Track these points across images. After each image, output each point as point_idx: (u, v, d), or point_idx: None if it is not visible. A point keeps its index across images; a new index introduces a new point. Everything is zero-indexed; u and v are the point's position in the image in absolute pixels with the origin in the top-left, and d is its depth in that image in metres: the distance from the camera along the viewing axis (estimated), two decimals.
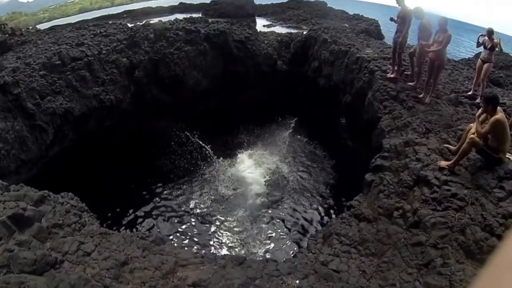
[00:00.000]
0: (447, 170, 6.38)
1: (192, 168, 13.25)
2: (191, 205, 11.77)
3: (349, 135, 13.79)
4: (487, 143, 5.99)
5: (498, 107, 5.76)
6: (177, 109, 14.72)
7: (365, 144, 10.64)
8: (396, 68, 10.64)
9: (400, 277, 5.21)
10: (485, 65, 9.24)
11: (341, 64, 13.75)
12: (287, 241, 10.40)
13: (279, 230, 10.81)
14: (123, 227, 10.62)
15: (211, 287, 5.02)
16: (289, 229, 10.86)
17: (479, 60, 9.67)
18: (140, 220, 11.14)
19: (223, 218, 11.14)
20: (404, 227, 6.02)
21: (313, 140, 16.10)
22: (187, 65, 14.70)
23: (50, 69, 11.01)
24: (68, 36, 13.78)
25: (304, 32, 18.46)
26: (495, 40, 9.10)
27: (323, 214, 11.56)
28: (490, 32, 9.17)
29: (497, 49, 9.31)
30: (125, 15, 28.44)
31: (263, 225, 10.91)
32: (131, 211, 11.42)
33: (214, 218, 11.14)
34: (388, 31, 20.24)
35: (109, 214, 10.77)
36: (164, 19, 18.24)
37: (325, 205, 12.02)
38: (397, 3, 9.81)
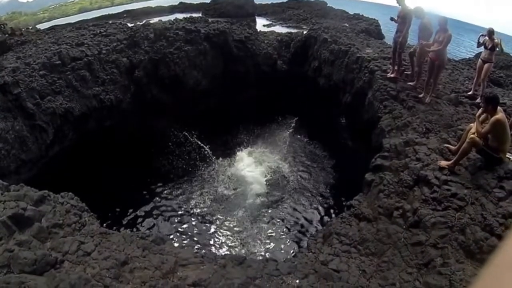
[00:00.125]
0: (447, 170, 6.38)
1: (192, 168, 13.25)
2: (191, 205, 11.77)
3: (349, 134, 13.79)
4: (487, 143, 5.99)
5: (498, 107, 5.77)
6: (177, 109, 14.72)
7: (365, 143, 10.63)
8: (396, 67, 10.64)
9: (400, 277, 5.21)
10: (486, 65, 9.24)
11: (341, 63, 13.75)
12: (287, 241, 10.40)
13: (279, 230, 10.81)
14: (123, 227, 10.62)
15: (211, 286, 5.02)
16: (289, 229, 10.87)
17: (479, 60, 9.67)
18: (140, 219, 11.15)
19: (223, 218, 11.14)
20: (404, 226, 6.02)
21: (313, 140, 16.11)
22: (187, 64, 14.70)
23: (50, 69, 11.00)
24: (68, 36, 13.77)
25: (304, 32, 18.46)
26: (496, 40, 9.09)
27: (323, 214, 11.56)
28: (490, 32, 9.16)
29: (497, 49, 9.30)
30: (125, 15, 28.45)
31: (263, 225, 10.91)
32: (131, 211, 11.43)
33: (214, 218, 11.15)
34: (388, 31, 20.26)
35: (109, 214, 10.78)
36: (164, 18, 18.23)
37: (325, 205, 12.02)
38: (397, 2, 9.81)
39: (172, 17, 19.18)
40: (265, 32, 19.83)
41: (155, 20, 17.69)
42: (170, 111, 14.55)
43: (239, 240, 10.25)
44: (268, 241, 10.31)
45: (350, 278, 5.38)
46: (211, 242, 10.25)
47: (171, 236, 10.25)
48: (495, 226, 5.09)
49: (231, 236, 10.44)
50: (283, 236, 10.59)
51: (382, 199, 6.81)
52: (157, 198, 12.10)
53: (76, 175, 10.43)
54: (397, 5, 9.91)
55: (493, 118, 5.62)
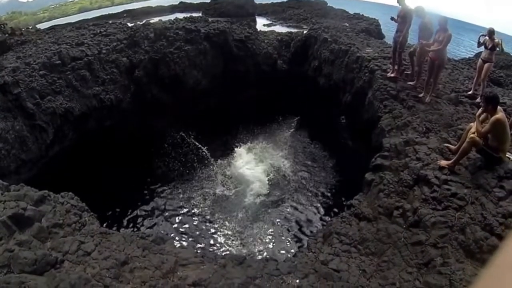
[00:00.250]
0: (447, 170, 6.38)
1: (192, 168, 13.24)
2: (191, 205, 11.78)
3: (349, 134, 13.80)
4: (487, 143, 5.99)
5: (498, 107, 5.77)
6: (177, 109, 14.71)
7: (365, 143, 10.63)
8: (396, 67, 10.63)
9: (400, 276, 5.21)
10: (486, 65, 9.24)
11: (341, 63, 13.75)
12: (287, 241, 10.40)
13: (279, 230, 10.81)
14: (123, 227, 10.64)
15: (211, 286, 5.02)
16: (289, 228, 10.87)
17: (479, 59, 9.67)
18: (140, 219, 11.16)
19: (223, 218, 11.14)
20: (404, 226, 6.02)
21: (313, 139, 16.11)
22: (187, 64, 14.69)
23: (50, 69, 11.00)
24: (68, 35, 13.77)
25: (304, 32, 18.46)
26: (496, 40, 9.09)
27: (323, 214, 11.56)
28: (491, 32, 9.16)
29: (497, 49, 9.29)
30: (125, 15, 28.46)
31: (263, 225, 10.91)
32: (131, 210, 11.43)
33: (214, 218, 11.15)
34: (388, 31, 20.24)
35: (109, 214, 10.78)
36: (164, 18, 18.24)
37: (325, 204, 12.02)
38: (398, 2, 9.81)
39: (172, 16, 19.19)
40: (265, 32, 19.83)
41: (155, 19, 17.71)
42: (170, 111, 14.55)
43: (239, 240, 10.25)
44: (268, 240, 10.32)
45: (350, 278, 5.38)
46: (211, 241, 10.26)
47: (171, 236, 10.24)
48: (495, 226, 5.09)
49: (231, 235, 10.44)
50: (283, 236, 10.59)
51: (382, 199, 6.81)
52: (157, 198, 12.11)
53: (76, 175, 10.43)
54: (397, 4, 9.90)
55: (493, 118, 5.62)
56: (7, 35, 14.12)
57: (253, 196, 11.95)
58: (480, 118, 6.04)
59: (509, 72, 16.51)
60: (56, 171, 10.31)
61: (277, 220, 11.20)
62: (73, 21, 25.77)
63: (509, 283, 0.52)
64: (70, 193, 7.07)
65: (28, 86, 10.07)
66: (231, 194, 12.23)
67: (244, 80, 16.59)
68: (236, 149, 14.17)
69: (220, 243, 10.20)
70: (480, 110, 6.21)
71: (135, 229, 10.50)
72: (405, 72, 10.85)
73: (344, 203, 10.10)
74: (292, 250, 9.78)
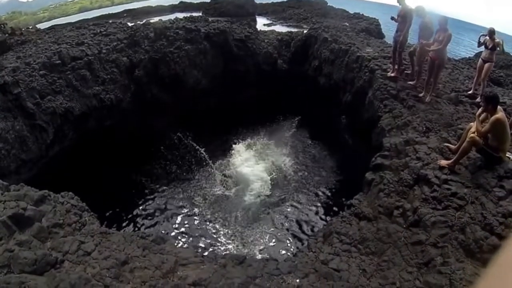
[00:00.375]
0: (447, 169, 6.38)
1: (192, 167, 13.24)
2: (191, 204, 11.77)
3: (349, 134, 13.78)
4: (487, 142, 5.99)
5: (498, 106, 5.77)
6: (177, 108, 14.72)
7: (366, 143, 10.63)
8: (396, 67, 10.63)
9: (400, 276, 5.21)
10: (486, 65, 9.24)
11: (341, 63, 13.75)
12: (287, 240, 10.40)
13: (279, 229, 10.81)
14: (123, 227, 10.64)
15: (211, 286, 5.02)
16: (289, 228, 10.86)
17: (480, 59, 9.66)
18: (140, 219, 11.15)
19: (223, 217, 11.14)
20: (404, 226, 6.02)
21: (313, 139, 16.10)
22: (187, 64, 14.70)
23: (50, 69, 11.00)
24: (68, 35, 13.78)
25: (305, 31, 18.45)
26: (497, 40, 9.08)
27: (323, 213, 11.55)
28: (491, 32, 9.15)
29: (498, 49, 9.28)
30: (125, 14, 28.44)
31: (263, 224, 10.90)
32: (131, 210, 11.43)
33: (214, 217, 11.15)
34: (389, 30, 20.23)
35: (109, 214, 10.78)
36: (164, 18, 18.26)
37: (325, 204, 12.02)
38: (398, 2, 9.81)
39: (172, 16, 19.19)
40: (265, 31, 19.82)
41: (155, 19, 17.73)
42: (170, 111, 14.56)
43: (239, 239, 10.25)
44: (268, 240, 10.31)
45: (351, 278, 5.38)
46: (211, 241, 10.25)
47: (171, 236, 10.25)
48: (495, 225, 5.09)
49: (231, 235, 10.44)
50: (283, 235, 10.59)
51: (382, 198, 6.81)
52: (157, 198, 12.10)
53: (76, 175, 10.43)
54: (397, 4, 9.90)
55: (493, 118, 5.62)
56: (7, 35, 14.13)
57: (253, 196, 11.95)
58: (480, 118, 6.04)
59: (509, 72, 16.50)
60: (56, 171, 10.32)
61: (277, 219, 11.19)
62: (73, 21, 25.74)
63: (511, 282, 0.52)
64: (70, 193, 7.08)
65: (28, 86, 10.07)
66: (231, 193, 12.22)
67: (244, 80, 16.59)
68: (236, 148, 14.16)
69: (220, 242, 10.20)
70: (480, 109, 6.20)
71: (135, 229, 10.50)
72: (405, 71, 10.84)
73: (344, 202, 10.08)
74: (292, 249, 9.78)
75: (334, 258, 5.97)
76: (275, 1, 33.21)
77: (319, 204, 12.00)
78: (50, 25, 24.96)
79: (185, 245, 9.77)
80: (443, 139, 7.57)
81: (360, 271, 5.56)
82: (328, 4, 29.51)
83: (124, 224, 10.81)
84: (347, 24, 19.49)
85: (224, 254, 7.53)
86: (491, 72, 12.27)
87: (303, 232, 10.69)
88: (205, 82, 15.49)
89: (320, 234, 7.36)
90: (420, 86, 9.89)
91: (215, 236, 10.46)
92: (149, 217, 11.23)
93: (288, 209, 11.67)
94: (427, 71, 9.39)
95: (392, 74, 10.65)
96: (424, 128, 8.19)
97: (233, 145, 14.27)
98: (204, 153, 12.98)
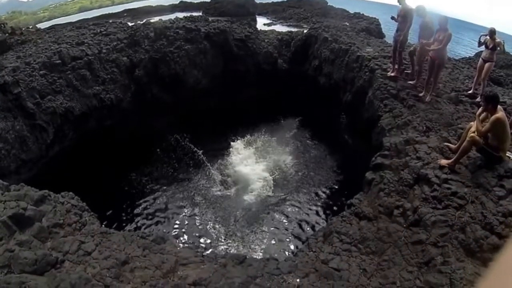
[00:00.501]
0: (448, 169, 6.38)
1: (192, 167, 13.24)
2: (192, 204, 11.77)
3: (349, 133, 13.79)
4: (487, 142, 5.99)
5: (499, 106, 5.76)
6: (177, 108, 14.72)
7: (366, 142, 10.63)
8: (396, 66, 10.63)
9: (400, 276, 5.21)
10: (487, 65, 9.23)
11: (341, 62, 13.75)
12: (288, 240, 10.40)
13: (280, 229, 10.81)
14: (124, 226, 10.63)
15: (211, 286, 5.02)
16: (290, 228, 10.86)
17: (480, 59, 9.65)
18: (140, 219, 11.15)
19: (223, 217, 11.14)
20: (405, 225, 6.02)
21: (313, 139, 16.10)
22: (187, 63, 14.70)
23: (50, 69, 11.00)
24: (68, 35, 13.79)
25: (305, 31, 18.45)
26: (498, 40, 9.08)
27: (323, 213, 11.56)
28: (492, 32, 9.14)
29: (498, 48, 9.28)
30: (125, 14, 28.43)
31: (264, 224, 10.90)
32: (131, 210, 11.43)
33: (214, 217, 11.15)
34: (389, 30, 20.25)
35: (109, 214, 10.78)
36: (165, 17, 18.25)
37: (326, 204, 12.01)
38: (398, 1, 9.81)
39: (172, 16, 19.18)
40: (265, 31, 19.83)
41: (155, 19, 17.71)
42: (170, 111, 14.56)
43: (240, 239, 10.25)
44: (268, 240, 10.32)
45: (351, 277, 5.39)
46: (212, 241, 10.25)
47: (172, 236, 10.25)
48: (495, 225, 5.09)
49: (232, 235, 10.44)
50: (284, 235, 10.59)
51: (383, 198, 6.81)
52: (157, 198, 12.10)
53: (76, 175, 10.43)
54: (397, 4, 9.90)
55: (493, 117, 5.61)
56: (7, 34, 14.12)
57: (254, 195, 11.96)
58: (480, 117, 6.03)
59: (509, 72, 16.51)
60: (56, 171, 10.32)
61: (278, 219, 11.20)
62: (73, 21, 25.68)
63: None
64: (71, 193, 7.08)
65: (28, 86, 10.07)
66: (231, 193, 12.23)
67: (244, 80, 16.59)
68: (235, 147, 14.18)
69: (221, 242, 10.20)
70: (480, 109, 6.20)
71: (136, 229, 10.49)
72: (405, 71, 10.84)
73: (345, 202, 10.08)
74: (293, 249, 9.78)
75: (334, 257, 5.97)
76: (275, 1, 33.21)
77: (319, 204, 12.00)
78: (50, 24, 24.93)
79: (185, 245, 9.76)
80: (443, 138, 7.56)
81: (361, 270, 5.57)
82: (328, 4, 29.50)
83: (124, 224, 10.80)
84: (347, 24, 19.49)
85: (224, 253, 7.55)
86: (491, 71, 12.28)
87: (303, 231, 10.69)
88: (205, 82, 15.49)
89: (320, 234, 7.36)
90: (420, 85, 9.89)
91: (215, 235, 10.46)
92: (149, 217, 11.23)
93: (288, 209, 11.67)
94: (427, 70, 9.38)
95: (392, 74, 10.65)
96: (424, 128, 8.19)
97: (232, 144, 14.28)
98: (202, 155, 12.99)
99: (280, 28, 22.26)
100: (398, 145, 7.88)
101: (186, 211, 11.51)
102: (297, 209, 11.67)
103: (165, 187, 12.62)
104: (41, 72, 10.66)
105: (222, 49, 15.82)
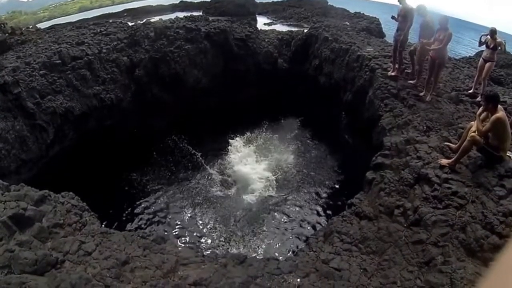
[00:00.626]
0: (448, 168, 6.37)
1: (193, 167, 13.24)
2: (192, 204, 11.78)
3: (350, 133, 13.78)
4: (487, 141, 5.98)
5: (499, 106, 5.75)
6: (177, 108, 14.72)
7: (366, 142, 10.62)
8: (397, 66, 10.63)
9: (401, 275, 5.20)
10: (487, 64, 9.22)
11: (342, 62, 13.74)
12: (288, 240, 10.40)
13: (280, 229, 10.81)
14: (124, 226, 10.63)
15: (212, 286, 5.02)
16: (290, 228, 10.86)
17: (481, 59, 9.64)
18: (140, 219, 11.16)
19: (224, 217, 11.14)
20: (405, 225, 6.01)
21: (313, 138, 16.10)
22: (188, 63, 14.70)
23: (50, 68, 11.00)
24: (68, 35, 13.78)
25: (305, 30, 18.43)
26: (499, 40, 9.06)
27: (324, 212, 11.56)
28: (493, 32, 9.12)
29: (499, 48, 9.26)
30: (125, 14, 28.44)
31: (264, 224, 10.91)
32: (131, 210, 11.43)
33: (215, 217, 11.15)
34: (389, 29, 20.23)
35: (109, 214, 10.77)
36: (165, 17, 18.24)
37: (326, 204, 12.01)
38: (398, 1, 9.80)
39: (172, 15, 19.18)
40: (265, 31, 19.83)
41: (155, 19, 17.70)
42: (170, 110, 14.56)
43: (240, 239, 10.25)
44: (269, 240, 10.32)
45: (351, 277, 5.38)
46: (212, 241, 10.26)
47: (172, 236, 10.25)
48: (495, 224, 5.08)
49: (232, 235, 10.44)
50: (284, 235, 10.59)
51: (383, 198, 6.80)
52: (158, 198, 12.10)
53: (76, 175, 10.43)
54: (398, 3, 9.89)
55: (493, 117, 5.61)
56: (7, 34, 14.11)
57: (254, 195, 11.96)
58: (481, 117, 6.02)
59: (509, 71, 16.51)
60: (56, 171, 10.32)
61: (278, 218, 11.20)
62: (73, 21, 25.68)
63: None
64: (71, 193, 7.08)
65: (28, 86, 10.07)
66: (232, 193, 12.23)
67: (245, 79, 16.59)
68: (236, 148, 14.17)
69: (221, 242, 10.20)
70: (480, 109, 6.19)
71: (136, 229, 10.49)
72: (406, 71, 10.83)
73: (345, 202, 10.09)
74: (293, 249, 9.78)
75: (335, 257, 5.97)
76: (275, 0, 33.22)
77: (319, 203, 12.00)
78: (50, 24, 24.93)
79: (186, 245, 9.76)
80: (444, 138, 7.56)
81: (361, 270, 5.56)
82: (329, 3, 29.49)
83: (124, 224, 10.81)
84: (348, 23, 19.47)
85: (225, 253, 7.55)
86: (492, 71, 12.28)
87: (304, 231, 10.69)
88: (206, 82, 15.48)
89: (320, 234, 7.36)
90: (421, 85, 9.88)
91: (216, 235, 10.46)
92: (150, 217, 11.24)
93: (289, 208, 11.67)
94: (428, 70, 9.38)
95: (393, 73, 10.65)
96: (425, 127, 8.18)
97: (233, 144, 14.28)
98: (201, 157, 12.99)
99: (280, 27, 22.26)
100: (399, 144, 7.87)
101: (186, 211, 11.51)
102: (297, 209, 11.67)
103: (165, 187, 12.62)
104: (41, 72, 10.66)
105: (223, 48, 15.82)
